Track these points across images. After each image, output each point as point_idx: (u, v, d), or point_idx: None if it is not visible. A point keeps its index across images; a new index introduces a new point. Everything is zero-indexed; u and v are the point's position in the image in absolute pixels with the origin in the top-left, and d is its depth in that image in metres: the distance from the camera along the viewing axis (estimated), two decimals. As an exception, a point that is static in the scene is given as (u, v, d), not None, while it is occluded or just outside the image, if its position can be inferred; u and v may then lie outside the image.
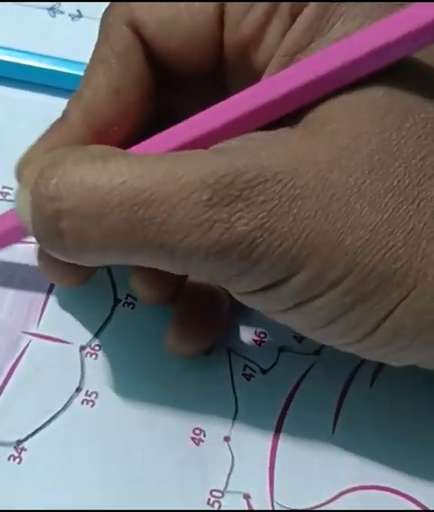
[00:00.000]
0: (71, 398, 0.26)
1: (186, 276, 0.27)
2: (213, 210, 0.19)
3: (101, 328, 0.27)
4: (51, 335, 0.27)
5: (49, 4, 0.36)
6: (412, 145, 0.20)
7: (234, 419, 0.26)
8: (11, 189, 0.30)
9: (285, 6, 0.22)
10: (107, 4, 0.25)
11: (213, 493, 0.25)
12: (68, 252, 0.21)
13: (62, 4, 0.36)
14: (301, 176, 0.20)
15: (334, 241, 0.19)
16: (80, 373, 0.26)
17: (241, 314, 0.28)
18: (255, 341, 0.28)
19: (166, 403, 0.26)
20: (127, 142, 0.23)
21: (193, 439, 0.26)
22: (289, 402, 0.27)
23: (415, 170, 0.20)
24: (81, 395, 0.26)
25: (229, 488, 0.25)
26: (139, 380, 0.26)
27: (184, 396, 0.26)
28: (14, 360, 0.27)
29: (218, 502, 0.25)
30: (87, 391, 0.26)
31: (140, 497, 0.25)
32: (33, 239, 0.26)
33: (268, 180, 0.19)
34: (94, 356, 0.27)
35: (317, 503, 0.25)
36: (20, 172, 0.24)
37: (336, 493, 0.25)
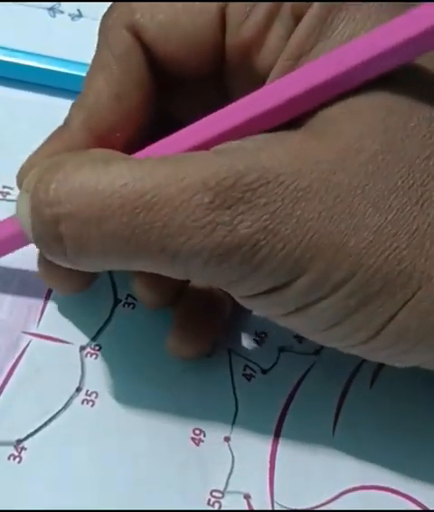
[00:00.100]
0: (71, 398, 0.26)
1: (187, 281, 0.27)
2: (215, 212, 0.19)
3: (101, 328, 0.27)
4: (51, 335, 0.27)
5: (49, 4, 0.36)
6: (416, 144, 0.20)
7: (234, 419, 0.26)
8: (11, 189, 0.30)
9: (287, 9, 0.22)
10: (107, 4, 0.25)
11: (214, 493, 0.25)
12: (67, 257, 0.21)
13: (62, 3, 0.36)
14: (304, 178, 0.19)
15: (337, 243, 0.19)
16: (80, 373, 0.26)
17: (242, 314, 0.28)
18: (255, 341, 0.28)
19: (166, 404, 0.26)
20: (128, 147, 0.23)
21: (193, 439, 0.26)
22: (290, 402, 0.27)
23: (419, 170, 0.20)
24: (81, 395, 0.26)
25: (229, 489, 0.25)
26: (139, 380, 0.26)
27: (184, 396, 0.26)
28: (14, 360, 0.26)
29: (218, 502, 0.25)
30: (87, 391, 0.26)
31: (140, 497, 0.25)
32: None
33: (270, 182, 0.19)
34: (94, 356, 0.27)
35: (317, 503, 0.25)
36: (21, 178, 0.24)
37: (336, 493, 0.25)
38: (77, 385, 0.26)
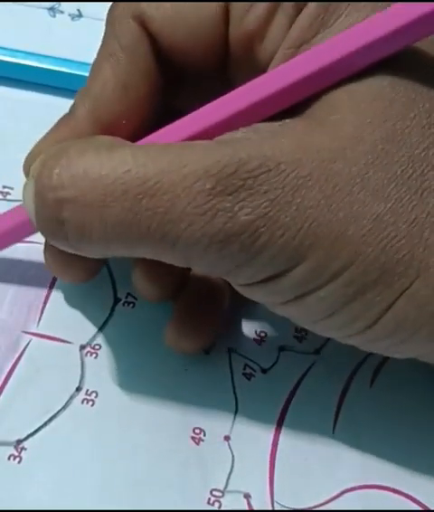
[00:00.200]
0: (71, 397, 0.26)
1: (188, 273, 0.27)
2: (216, 199, 0.19)
3: (101, 328, 0.27)
4: (51, 334, 0.27)
5: (49, 4, 0.36)
6: (416, 134, 0.20)
7: (234, 418, 0.26)
8: (11, 189, 0.30)
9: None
10: (107, 4, 0.25)
11: (214, 492, 0.25)
12: (70, 242, 0.21)
13: (62, 3, 0.36)
14: (304, 166, 0.20)
15: (336, 232, 0.19)
16: (80, 372, 0.26)
17: (242, 313, 0.28)
18: (255, 340, 0.28)
19: (167, 403, 0.26)
20: (133, 137, 0.23)
21: (193, 438, 0.26)
22: (290, 401, 0.27)
23: (419, 160, 0.20)
24: (81, 395, 0.26)
25: (229, 488, 0.25)
26: (139, 379, 0.26)
27: (185, 395, 0.26)
28: (14, 360, 0.26)
29: (218, 502, 0.25)
30: (87, 390, 0.26)
31: (140, 496, 0.25)
32: (35, 238, 0.26)
33: (271, 169, 0.19)
34: (94, 356, 0.27)
35: (318, 503, 0.25)
36: (28, 165, 0.24)
37: (337, 492, 0.25)
38: (77, 385, 0.26)
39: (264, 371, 0.27)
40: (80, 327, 0.27)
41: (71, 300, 0.28)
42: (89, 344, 0.27)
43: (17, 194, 0.29)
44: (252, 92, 0.21)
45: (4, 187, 0.30)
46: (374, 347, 0.22)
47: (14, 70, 0.33)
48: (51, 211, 0.21)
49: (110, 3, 0.25)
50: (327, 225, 0.19)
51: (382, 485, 0.25)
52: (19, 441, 0.25)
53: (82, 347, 0.27)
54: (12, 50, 0.33)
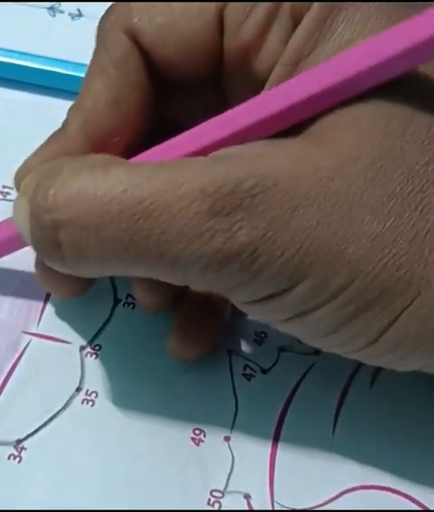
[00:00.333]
0: (71, 398, 0.26)
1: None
2: (214, 220, 0.19)
3: (101, 328, 0.27)
4: (51, 335, 0.27)
5: (49, 4, 0.36)
6: (416, 150, 0.20)
7: (234, 419, 0.26)
8: (11, 189, 0.30)
9: (286, 10, 0.22)
10: (107, 4, 0.24)
11: (214, 493, 0.25)
12: (66, 263, 0.21)
13: (62, 3, 0.36)
14: (302, 185, 0.19)
15: (336, 250, 0.19)
16: (80, 373, 0.26)
17: (242, 315, 0.28)
18: (255, 341, 0.28)
19: (166, 404, 0.26)
20: (126, 151, 0.23)
21: (193, 439, 0.26)
22: (290, 401, 0.27)
23: (418, 176, 0.20)
24: (81, 395, 0.26)
25: (229, 488, 0.25)
26: (139, 380, 0.26)
27: (184, 396, 0.26)
28: (14, 360, 0.26)
29: (218, 502, 0.25)
30: (87, 391, 0.26)
31: (140, 497, 0.25)
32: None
33: (268, 189, 0.19)
34: (94, 356, 0.27)
35: (317, 503, 0.25)
36: (18, 181, 0.24)
37: (336, 493, 0.25)
38: (77, 385, 0.26)
39: (264, 371, 0.27)
40: (80, 327, 0.27)
41: (72, 301, 0.28)
42: (89, 344, 0.27)
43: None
44: (249, 113, 0.21)
45: (4, 187, 0.30)
46: (376, 362, 0.22)
47: (12, 71, 0.33)
48: (47, 233, 0.20)
49: (111, 2, 0.24)
50: (327, 244, 0.19)
51: (381, 485, 0.25)
52: (19, 441, 0.25)
53: (82, 348, 0.27)
54: (10, 50, 0.33)
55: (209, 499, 0.25)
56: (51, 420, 0.26)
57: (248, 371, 0.27)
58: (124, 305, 0.28)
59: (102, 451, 0.25)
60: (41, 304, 0.28)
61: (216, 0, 0.23)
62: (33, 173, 0.22)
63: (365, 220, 0.19)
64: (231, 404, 0.26)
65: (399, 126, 0.20)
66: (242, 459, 0.25)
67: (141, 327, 0.27)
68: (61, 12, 0.36)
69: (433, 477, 0.25)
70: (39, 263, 0.25)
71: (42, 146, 0.24)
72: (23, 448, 0.25)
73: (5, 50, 0.33)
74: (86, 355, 0.27)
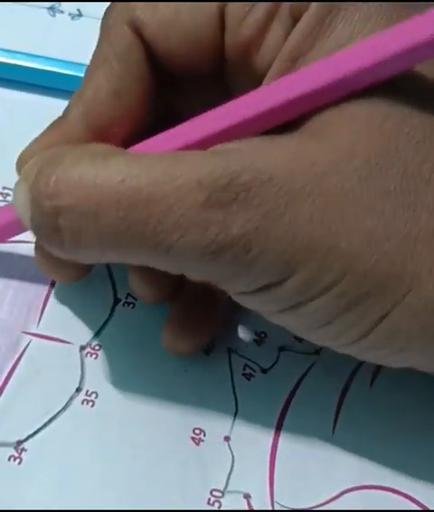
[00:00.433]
0: (71, 398, 0.26)
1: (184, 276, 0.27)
2: (209, 211, 0.19)
3: (101, 328, 0.27)
4: (51, 335, 0.27)
5: (49, 4, 0.36)
6: (411, 149, 0.20)
7: (234, 418, 0.26)
8: (11, 190, 0.30)
9: (285, 8, 0.22)
10: (107, 3, 0.25)
11: (214, 493, 0.25)
12: (65, 249, 0.21)
13: (62, 3, 0.36)
14: (297, 180, 0.20)
15: (328, 245, 0.20)
16: (80, 373, 0.26)
17: (242, 313, 0.28)
18: (255, 341, 0.28)
19: (166, 403, 0.26)
20: (127, 142, 0.23)
21: (193, 439, 0.26)
22: (290, 401, 0.27)
23: (413, 175, 0.20)
24: (81, 395, 0.26)
25: (229, 488, 0.25)
26: (139, 380, 0.26)
27: (184, 396, 0.26)
28: (14, 360, 0.27)
29: (218, 502, 0.25)
30: (87, 391, 0.26)
31: (140, 497, 0.25)
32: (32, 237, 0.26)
33: (263, 183, 0.19)
34: (94, 356, 0.27)
35: (317, 503, 0.25)
36: (20, 166, 0.24)
37: (336, 493, 0.25)
38: (77, 385, 0.26)
39: (264, 371, 0.27)
40: (80, 327, 0.27)
41: (72, 301, 0.28)
42: (89, 344, 0.27)
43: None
44: (248, 107, 0.21)
45: (4, 188, 0.30)
46: (370, 357, 0.22)
47: (12, 71, 0.33)
48: (47, 218, 0.21)
49: (111, 3, 0.24)
50: (319, 239, 0.19)
51: (381, 485, 0.25)
52: (19, 442, 0.25)
53: (82, 348, 0.27)
54: (9, 51, 0.33)
55: (209, 499, 0.25)
56: (51, 420, 0.26)
57: (248, 370, 0.27)
58: (124, 304, 0.28)
59: (102, 451, 0.25)
60: (41, 304, 0.28)
61: (217, 0, 0.23)
62: (35, 159, 0.22)
63: (358, 216, 0.20)
64: (231, 404, 0.26)
65: (395, 125, 0.20)
66: (242, 458, 0.25)
67: (141, 327, 0.27)
68: (61, 12, 0.36)
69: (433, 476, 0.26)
70: (38, 247, 0.26)
71: (43, 132, 0.25)
72: (23, 449, 0.25)
73: (5, 50, 0.33)
74: (86, 355, 0.27)
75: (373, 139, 0.20)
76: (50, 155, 0.21)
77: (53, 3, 0.36)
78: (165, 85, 0.24)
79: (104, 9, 0.25)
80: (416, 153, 0.20)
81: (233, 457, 0.25)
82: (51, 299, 0.28)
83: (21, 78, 0.33)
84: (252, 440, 0.26)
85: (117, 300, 0.28)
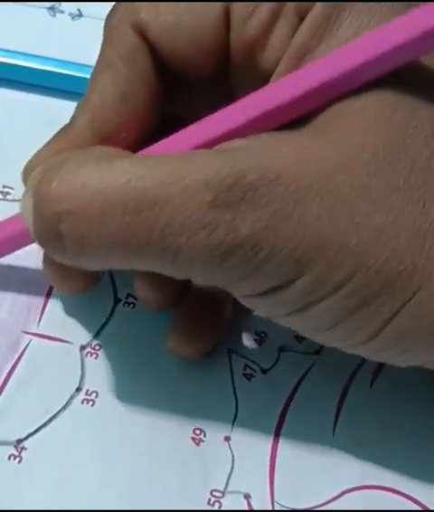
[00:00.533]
0: (71, 398, 0.26)
1: (189, 281, 0.27)
2: (216, 212, 0.19)
3: (102, 328, 0.27)
4: (51, 334, 0.27)
5: (49, 4, 0.36)
6: (419, 143, 0.20)
7: (235, 419, 0.26)
8: (11, 189, 0.30)
9: (291, 7, 0.22)
10: (107, 3, 0.25)
11: (214, 493, 0.25)
12: (68, 255, 0.21)
13: (62, 3, 0.36)
14: (305, 178, 0.19)
15: (338, 243, 0.19)
16: (80, 372, 0.26)
17: (242, 314, 0.28)
18: (255, 341, 0.28)
19: (167, 403, 0.26)
20: (134, 146, 0.23)
21: (193, 439, 0.26)
22: (290, 401, 0.27)
23: (421, 169, 0.20)
24: (81, 395, 0.26)
25: (229, 488, 0.25)
26: (140, 380, 0.26)
27: (185, 396, 0.26)
28: (14, 360, 0.26)
29: (218, 502, 0.25)
30: (87, 390, 0.26)
31: (140, 497, 0.25)
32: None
33: (271, 181, 0.19)
34: (94, 356, 0.27)
35: (318, 503, 0.25)
36: (26, 176, 0.24)
37: (337, 493, 0.25)
38: (77, 385, 0.26)
39: (264, 371, 0.27)
40: (80, 327, 0.27)
41: (72, 300, 0.28)
42: (89, 344, 0.27)
43: (17, 193, 0.29)
44: (254, 105, 0.21)
45: (4, 187, 0.30)
46: (378, 356, 0.22)
47: (12, 71, 0.33)
48: (49, 224, 0.20)
49: (111, 2, 0.24)
50: (329, 237, 0.19)
51: (382, 485, 0.25)
52: (19, 441, 0.25)
53: (82, 348, 0.27)
54: (10, 51, 0.33)
55: (209, 499, 0.25)
56: (51, 420, 0.26)
57: (248, 371, 0.27)
58: (124, 304, 0.28)
59: (102, 451, 0.25)
60: (41, 304, 0.28)
61: (221, 0, 0.23)
62: (40, 167, 0.22)
63: (368, 213, 0.19)
64: (232, 404, 0.26)
65: (403, 118, 0.20)
66: (242, 458, 0.25)
67: (141, 327, 0.27)
68: (62, 12, 0.36)
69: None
70: (46, 257, 0.25)
71: (49, 141, 0.24)
72: (23, 448, 0.25)
73: (5, 50, 0.33)
74: (86, 354, 0.27)
75: (382, 132, 0.20)
76: (54, 160, 0.21)
77: (53, 3, 0.36)
78: (170, 88, 0.24)
79: (104, 9, 0.24)
80: (424, 147, 0.20)
81: (233, 457, 0.25)
82: (52, 299, 0.28)
83: (21, 78, 0.33)
84: (253, 440, 0.26)
85: (117, 300, 0.28)
